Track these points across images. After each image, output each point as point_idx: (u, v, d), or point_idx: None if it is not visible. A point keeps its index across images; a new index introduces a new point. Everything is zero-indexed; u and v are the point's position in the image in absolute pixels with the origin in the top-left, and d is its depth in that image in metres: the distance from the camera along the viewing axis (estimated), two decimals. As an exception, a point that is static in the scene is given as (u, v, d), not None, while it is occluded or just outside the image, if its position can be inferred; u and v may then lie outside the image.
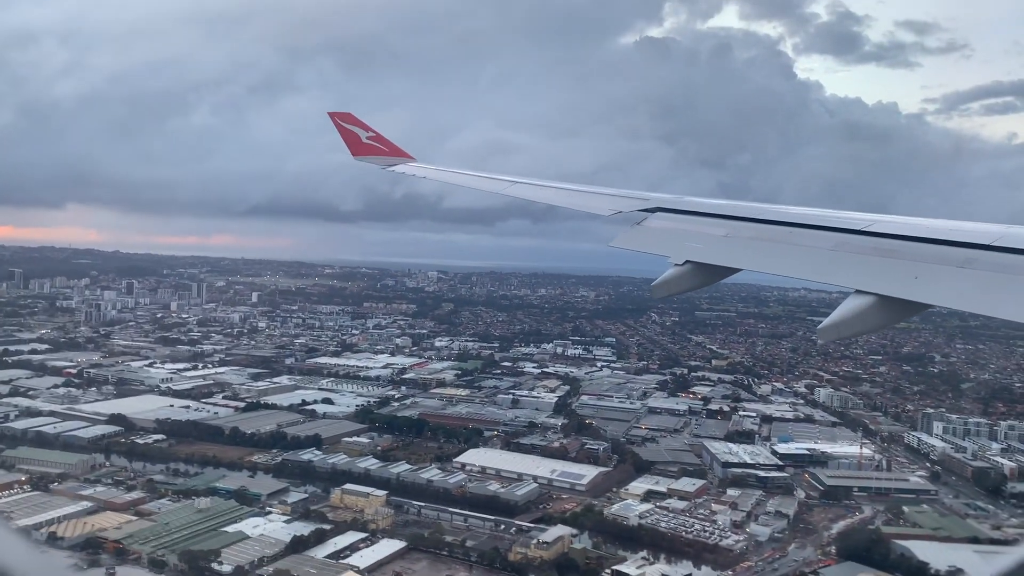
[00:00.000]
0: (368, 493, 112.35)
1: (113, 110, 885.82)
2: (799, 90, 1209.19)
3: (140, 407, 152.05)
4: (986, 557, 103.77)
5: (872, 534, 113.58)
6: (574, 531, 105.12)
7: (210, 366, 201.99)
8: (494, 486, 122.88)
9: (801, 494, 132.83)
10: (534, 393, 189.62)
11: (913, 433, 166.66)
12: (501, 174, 19.65)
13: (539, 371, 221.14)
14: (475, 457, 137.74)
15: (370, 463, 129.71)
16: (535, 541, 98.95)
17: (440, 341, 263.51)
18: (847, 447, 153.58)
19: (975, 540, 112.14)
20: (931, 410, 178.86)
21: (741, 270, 10.61)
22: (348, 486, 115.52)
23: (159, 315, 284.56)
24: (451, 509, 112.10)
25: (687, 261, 10.84)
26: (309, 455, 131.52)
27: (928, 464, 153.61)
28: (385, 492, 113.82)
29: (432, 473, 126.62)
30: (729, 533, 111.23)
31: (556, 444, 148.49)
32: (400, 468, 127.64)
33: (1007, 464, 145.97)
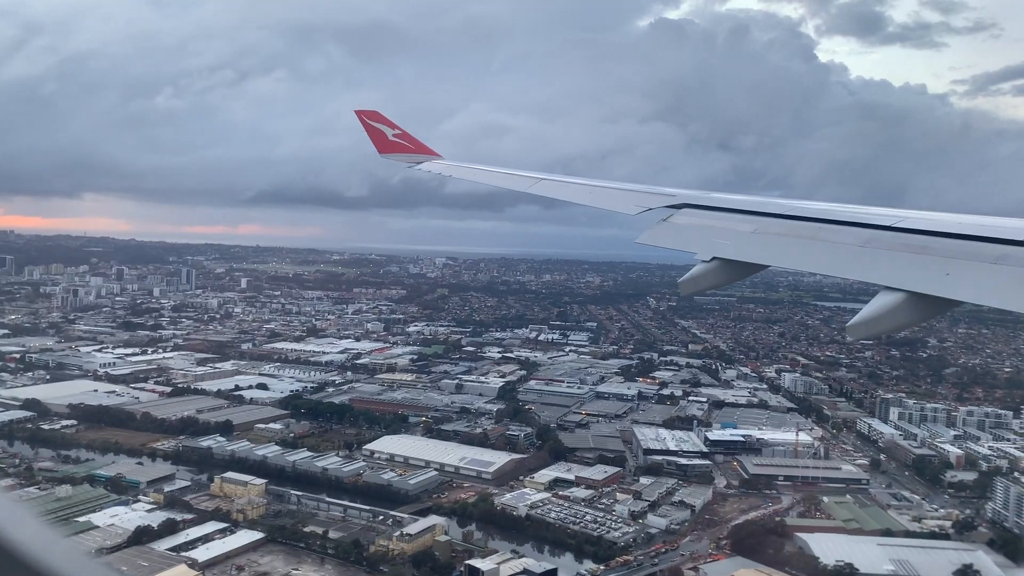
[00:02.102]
0: (247, 482, 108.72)
1: (113, 97, 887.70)
2: (820, 72, 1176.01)
3: (62, 392, 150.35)
4: (887, 550, 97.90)
5: (776, 527, 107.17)
6: (445, 522, 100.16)
7: (161, 351, 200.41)
8: (391, 475, 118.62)
9: (722, 483, 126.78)
10: (482, 378, 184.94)
11: (865, 420, 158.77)
12: (527, 171, 19.63)
13: (501, 356, 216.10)
14: (388, 444, 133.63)
15: (271, 450, 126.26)
16: (398, 533, 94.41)
17: (415, 326, 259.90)
18: (788, 434, 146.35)
19: (888, 533, 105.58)
20: (890, 396, 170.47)
21: (769, 267, 10.49)
22: (228, 474, 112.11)
23: (139, 301, 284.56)
24: (329, 499, 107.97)
25: (714, 258, 10.66)
26: (211, 442, 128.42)
27: (873, 452, 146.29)
28: (265, 481, 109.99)
29: (331, 461, 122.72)
30: (621, 525, 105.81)
31: (479, 431, 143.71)
32: (299, 456, 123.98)
33: (954, 452, 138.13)
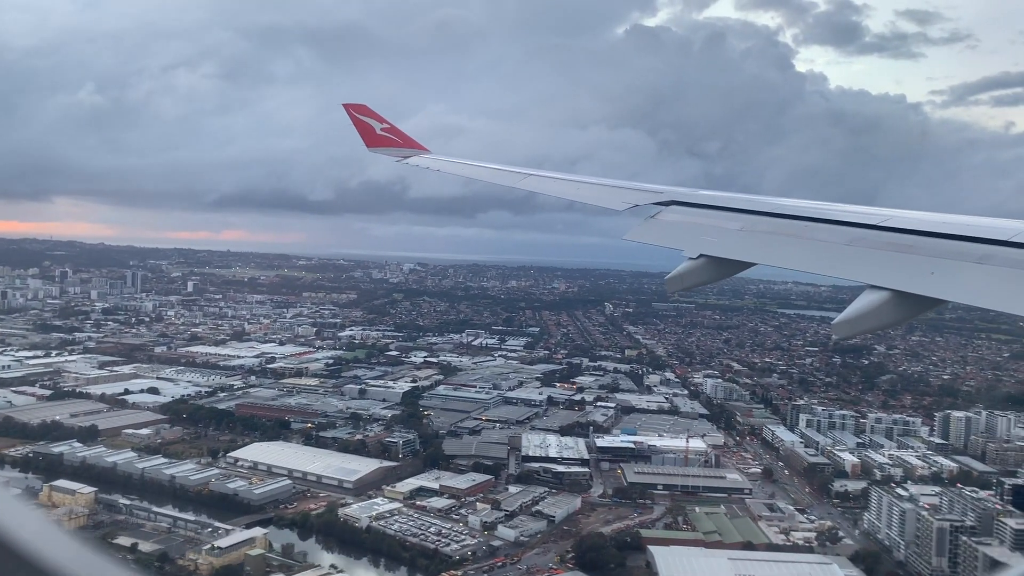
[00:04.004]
0: (75, 490, 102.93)
1: (70, 97, 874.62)
2: (796, 81, 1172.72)
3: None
4: (737, 564, 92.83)
5: (631, 539, 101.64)
6: (265, 534, 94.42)
7: (67, 354, 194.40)
8: (240, 484, 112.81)
9: (599, 491, 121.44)
10: (391, 384, 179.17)
11: (770, 427, 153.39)
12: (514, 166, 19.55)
13: (423, 361, 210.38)
14: (255, 452, 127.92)
15: (125, 457, 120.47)
16: (208, 546, 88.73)
17: (350, 331, 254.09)
18: (684, 441, 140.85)
19: (748, 546, 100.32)
20: (801, 402, 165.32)
21: (756, 264, 10.48)
22: (59, 482, 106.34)
23: (74, 304, 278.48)
24: (159, 509, 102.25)
25: (701, 255, 10.66)
26: (64, 448, 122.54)
27: (771, 460, 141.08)
28: (95, 490, 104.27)
29: (183, 469, 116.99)
30: (466, 537, 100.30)
31: (358, 437, 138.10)
32: (150, 463, 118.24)
33: (850, 460, 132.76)
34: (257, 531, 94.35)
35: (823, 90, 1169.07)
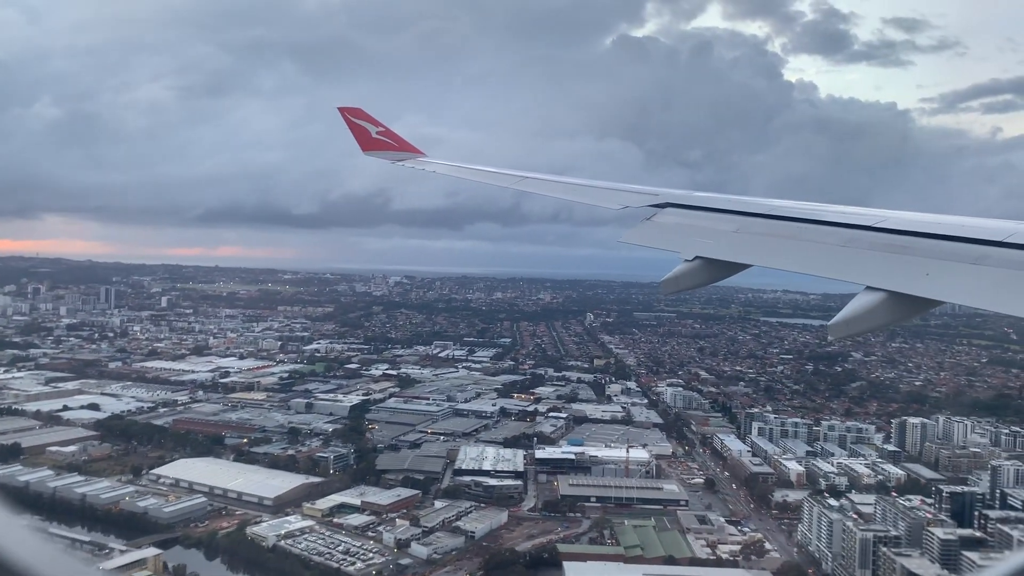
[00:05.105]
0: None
1: (52, 112, 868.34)
2: (785, 90, 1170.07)
3: None
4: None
5: (548, 555, 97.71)
6: (155, 555, 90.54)
7: (14, 370, 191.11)
8: (153, 502, 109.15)
9: (530, 504, 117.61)
10: (341, 397, 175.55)
11: (720, 436, 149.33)
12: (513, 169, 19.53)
13: (382, 374, 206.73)
14: (180, 468, 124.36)
15: (41, 475, 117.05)
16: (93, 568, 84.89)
17: (317, 344, 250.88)
18: (635, 452, 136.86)
19: (669, 560, 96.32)
20: (755, 410, 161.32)
21: (751, 266, 10.43)
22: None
23: (39, 319, 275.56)
24: (56, 530, 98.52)
25: (697, 257, 10.61)
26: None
27: (718, 469, 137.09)
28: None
29: (98, 487, 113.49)
30: (375, 555, 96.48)
31: (290, 453, 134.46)
32: (64, 482, 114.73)
33: (795, 469, 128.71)
34: (151, 551, 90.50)
35: (813, 98, 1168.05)
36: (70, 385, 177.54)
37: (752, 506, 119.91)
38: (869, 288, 8.14)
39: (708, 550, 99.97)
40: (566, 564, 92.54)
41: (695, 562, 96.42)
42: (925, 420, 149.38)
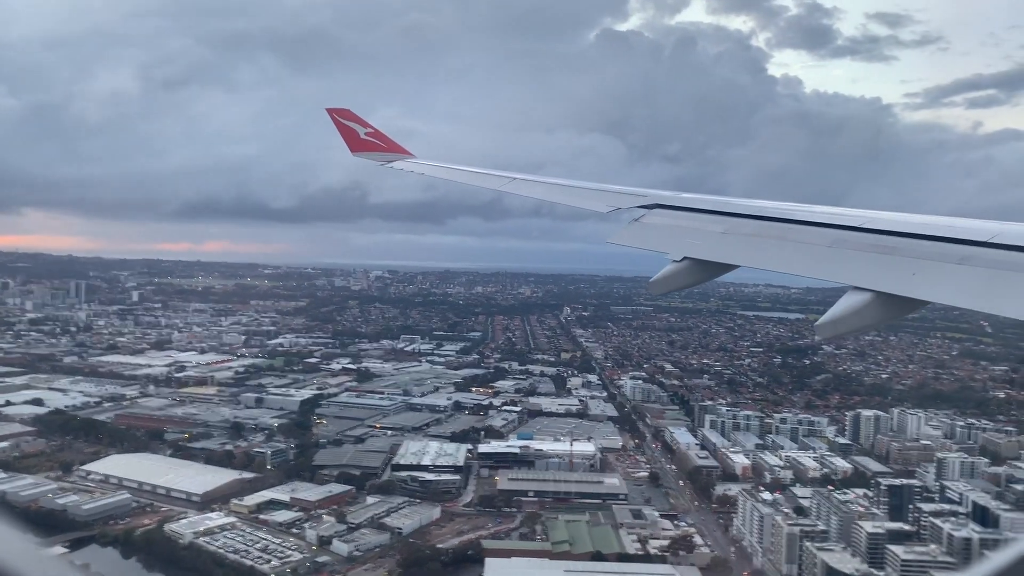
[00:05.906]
0: None
1: (35, 108, 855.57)
2: (768, 84, 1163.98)
3: None
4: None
5: (472, 551, 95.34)
6: (64, 552, 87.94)
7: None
8: (72, 499, 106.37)
9: (467, 499, 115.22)
10: (291, 392, 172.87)
11: (670, 429, 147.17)
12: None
13: (342, 368, 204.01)
14: (111, 464, 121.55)
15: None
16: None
17: (282, 338, 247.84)
18: (580, 445, 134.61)
19: (597, 556, 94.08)
20: (708, 403, 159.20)
21: (739, 267, 10.48)
22: None
23: (3, 314, 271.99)
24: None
25: (685, 258, 10.62)
26: None
27: (664, 462, 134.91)
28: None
29: (20, 484, 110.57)
30: (295, 552, 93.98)
31: (228, 448, 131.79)
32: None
33: (741, 463, 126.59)
34: (55, 551, 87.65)
35: (797, 93, 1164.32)
36: (18, 380, 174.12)
37: (694, 501, 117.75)
38: (856, 288, 8.10)
39: (638, 545, 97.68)
40: (488, 561, 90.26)
41: (623, 557, 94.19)
42: (880, 413, 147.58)
